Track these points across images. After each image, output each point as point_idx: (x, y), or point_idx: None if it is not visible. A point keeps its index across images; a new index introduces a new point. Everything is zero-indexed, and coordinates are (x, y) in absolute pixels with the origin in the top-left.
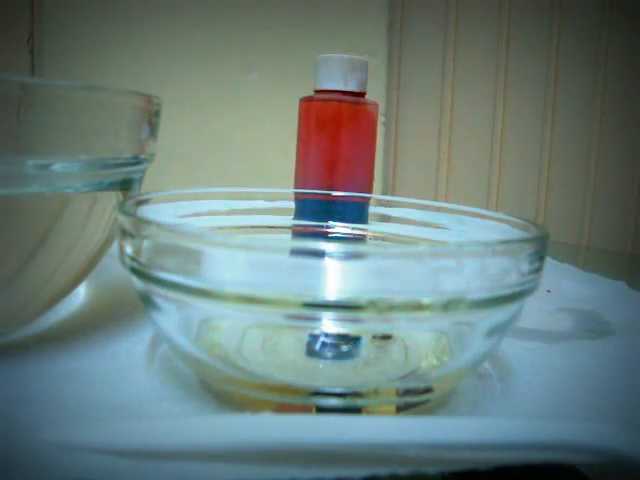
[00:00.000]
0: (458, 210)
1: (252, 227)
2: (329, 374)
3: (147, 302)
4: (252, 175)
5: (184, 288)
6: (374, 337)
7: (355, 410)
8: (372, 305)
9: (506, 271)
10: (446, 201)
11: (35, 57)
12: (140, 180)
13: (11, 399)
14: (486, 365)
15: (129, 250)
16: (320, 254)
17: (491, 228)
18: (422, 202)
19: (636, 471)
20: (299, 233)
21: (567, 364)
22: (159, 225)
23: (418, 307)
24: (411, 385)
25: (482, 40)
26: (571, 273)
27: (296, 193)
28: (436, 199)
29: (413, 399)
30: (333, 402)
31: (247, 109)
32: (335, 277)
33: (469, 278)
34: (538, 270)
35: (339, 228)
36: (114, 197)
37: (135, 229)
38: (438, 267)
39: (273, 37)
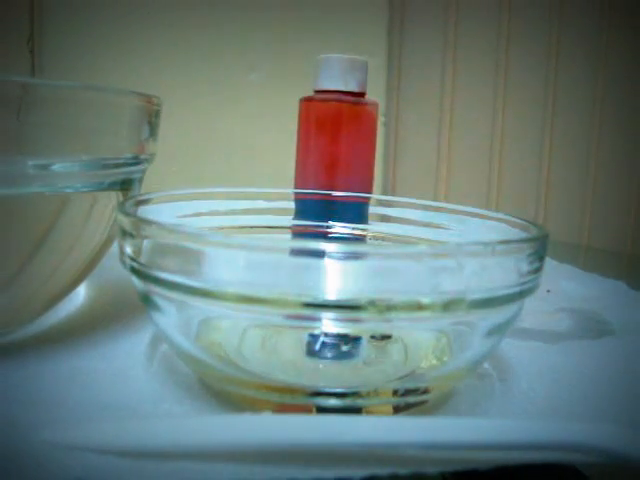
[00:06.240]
0: (458, 210)
1: (252, 227)
2: (329, 374)
3: (147, 302)
4: (252, 175)
5: (184, 288)
6: (374, 337)
7: (355, 410)
8: (372, 305)
9: (506, 271)
10: (446, 201)
11: (35, 57)
12: (140, 180)
13: (11, 399)
14: (486, 365)
15: (129, 250)
16: (320, 254)
17: (491, 228)
18: (422, 202)
19: (636, 471)
20: (299, 233)
21: (567, 364)
22: (159, 225)
23: (418, 307)
24: (411, 385)
25: (482, 40)
26: (571, 273)
27: (296, 193)
28: (436, 199)
29: (413, 399)
30: (333, 402)
31: (247, 109)
32: (335, 277)
33: (469, 278)
34: (538, 270)
35: (339, 228)
36: (114, 197)
37: (135, 229)
38: (438, 267)
39: (273, 37)
